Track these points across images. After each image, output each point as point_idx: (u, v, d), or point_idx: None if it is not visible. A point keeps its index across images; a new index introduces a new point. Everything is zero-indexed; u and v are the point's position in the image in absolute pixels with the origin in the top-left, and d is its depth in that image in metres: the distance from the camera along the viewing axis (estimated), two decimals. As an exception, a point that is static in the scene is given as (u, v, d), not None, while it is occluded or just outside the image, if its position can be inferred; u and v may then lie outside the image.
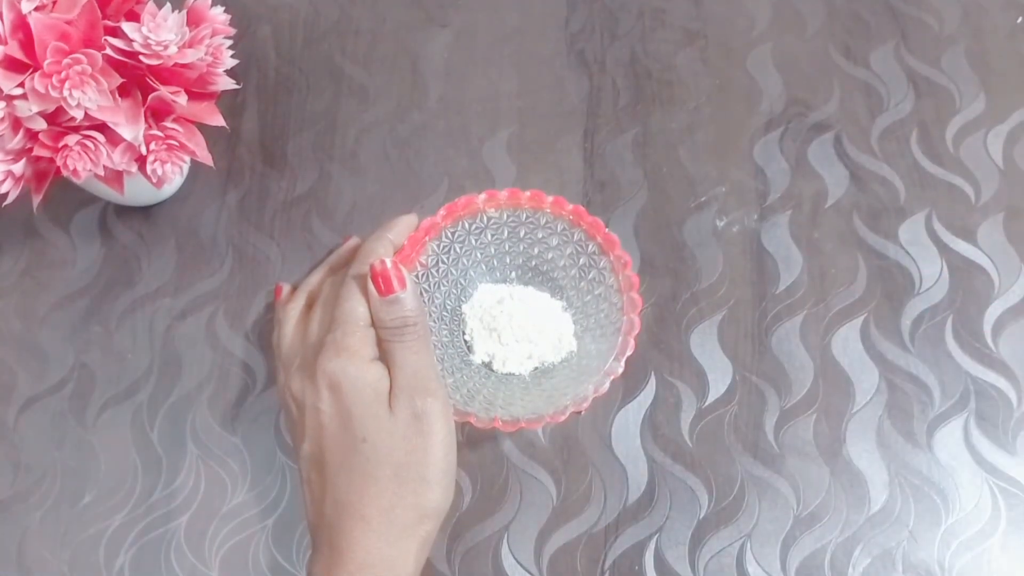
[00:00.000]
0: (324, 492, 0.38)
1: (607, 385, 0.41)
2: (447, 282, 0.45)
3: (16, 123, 0.39)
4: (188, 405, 0.48)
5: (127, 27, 0.39)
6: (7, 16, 0.37)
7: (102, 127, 0.40)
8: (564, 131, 0.54)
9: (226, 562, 0.45)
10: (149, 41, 0.39)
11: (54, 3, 0.39)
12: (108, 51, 0.39)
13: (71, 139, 0.40)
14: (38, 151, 0.39)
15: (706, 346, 0.49)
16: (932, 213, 0.52)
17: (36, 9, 0.38)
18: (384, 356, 0.39)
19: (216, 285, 0.50)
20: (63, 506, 0.46)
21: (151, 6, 0.40)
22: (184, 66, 0.41)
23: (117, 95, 0.40)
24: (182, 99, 0.41)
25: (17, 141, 0.39)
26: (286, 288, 0.47)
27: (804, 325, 0.50)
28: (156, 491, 0.46)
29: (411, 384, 0.38)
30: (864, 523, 0.46)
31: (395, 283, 0.38)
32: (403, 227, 0.43)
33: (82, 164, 0.40)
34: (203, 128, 0.44)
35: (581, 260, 0.44)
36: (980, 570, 0.45)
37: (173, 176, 0.43)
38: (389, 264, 0.39)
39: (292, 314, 0.43)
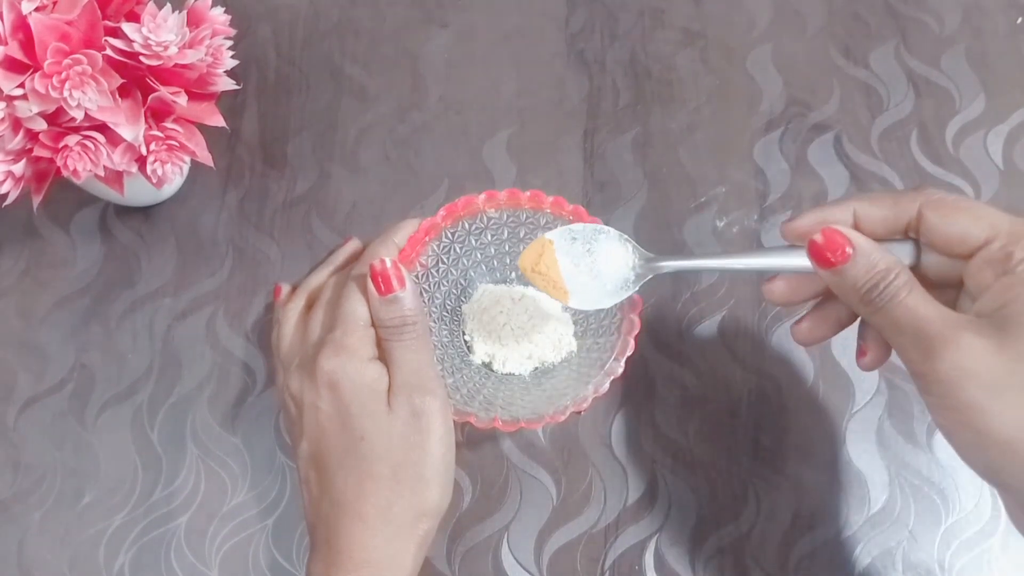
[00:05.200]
0: (322, 491, 0.38)
1: (607, 385, 0.41)
2: (447, 282, 0.45)
3: (16, 123, 0.39)
4: (188, 405, 0.48)
5: (127, 28, 0.39)
6: (7, 16, 0.38)
7: (102, 127, 0.40)
8: (564, 131, 0.54)
9: (226, 562, 0.45)
10: (149, 42, 0.39)
11: (54, 3, 0.39)
12: (108, 52, 0.39)
13: (71, 139, 0.40)
14: (38, 151, 0.39)
15: (706, 346, 0.49)
16: (932, 213, 0.52)
17: (36, 9, 0.38)
18: (384, 355, 0.39)
19: (216, 285, 0.50)
20: (63, 506, 0.46)
21: (151, 7, 0.40)
22: (184, 67, 0.41)
23: (117, 95, 0.40)
24: (182, 99, 0.42)
25: (17, 141, 0.39)
26: (285, 288, 0.47)
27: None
28: (156, 491, 0.46)
29: (410, 382, 0.38)
30: (864, 523, 0.46)
31: (394, 282, 0.38)
32: (407, 231, 0.43)
33: (82, 164, 0.40)
34: (203, 128, 0.44)
35: (581, 260, 0.44)
36: (980, 570, 0.45)
37: (173, 176, 0.44)
38: (389, 264, 0.39)
39: (292, 314, 0.43)
